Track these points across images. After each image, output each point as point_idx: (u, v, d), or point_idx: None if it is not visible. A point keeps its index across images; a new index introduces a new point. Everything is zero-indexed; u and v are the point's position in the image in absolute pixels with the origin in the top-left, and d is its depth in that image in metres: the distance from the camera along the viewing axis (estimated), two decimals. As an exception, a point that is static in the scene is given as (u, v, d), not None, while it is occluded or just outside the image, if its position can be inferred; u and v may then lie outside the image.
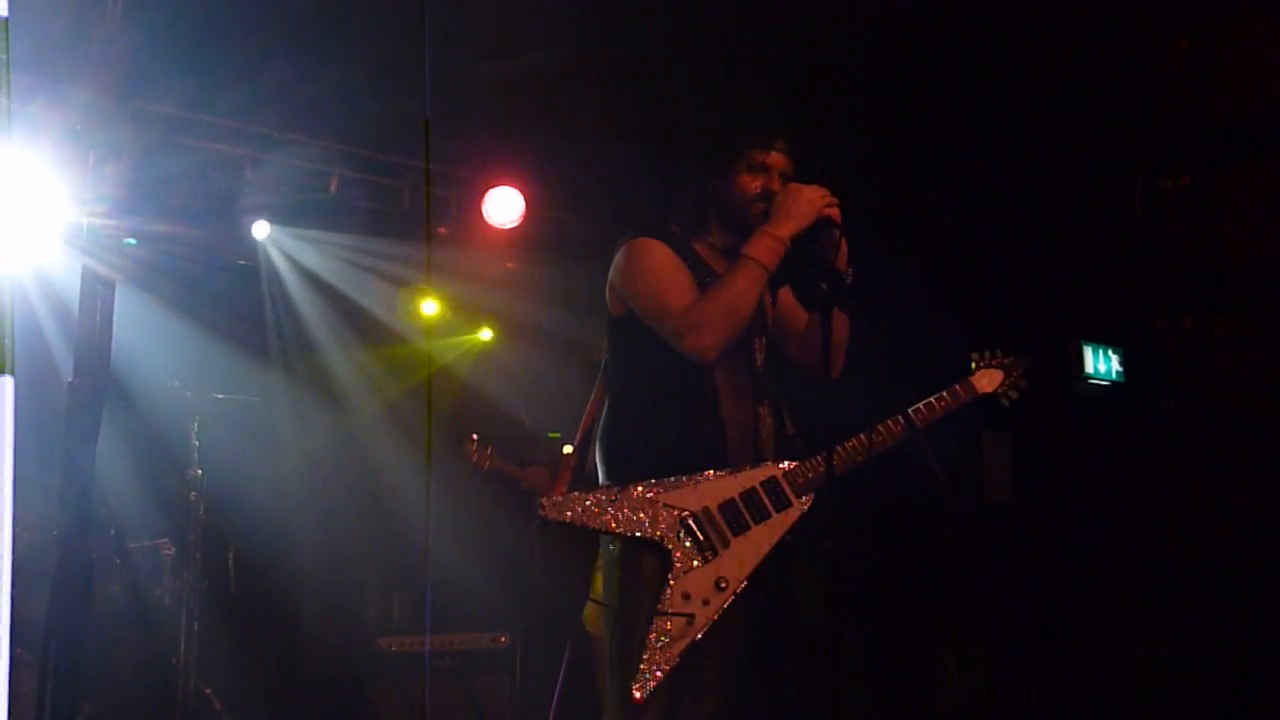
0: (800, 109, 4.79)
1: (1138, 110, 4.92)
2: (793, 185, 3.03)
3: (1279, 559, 4.52)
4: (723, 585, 2.89)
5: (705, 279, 3.06)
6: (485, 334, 7.30)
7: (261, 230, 6.20)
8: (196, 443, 5.28)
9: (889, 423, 3.03)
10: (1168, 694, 4.92)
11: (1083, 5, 4.66)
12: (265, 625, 6.00)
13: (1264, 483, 4.60)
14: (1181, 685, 4.85)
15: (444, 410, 6.86)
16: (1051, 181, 5.21)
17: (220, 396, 5.61)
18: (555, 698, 4.75)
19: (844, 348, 3.12)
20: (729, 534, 2.93)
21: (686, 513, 2.92)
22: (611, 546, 3.01)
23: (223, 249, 6.33)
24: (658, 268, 3.06)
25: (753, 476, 2.99)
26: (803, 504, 2.99)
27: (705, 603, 2.87)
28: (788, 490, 2.99)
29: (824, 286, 2.96)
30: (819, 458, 2.98)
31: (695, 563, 2.90)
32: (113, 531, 5.11)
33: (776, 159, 3.10)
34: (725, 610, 2.88)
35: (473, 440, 5.74)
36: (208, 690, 5.05)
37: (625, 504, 2.93)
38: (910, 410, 3.05)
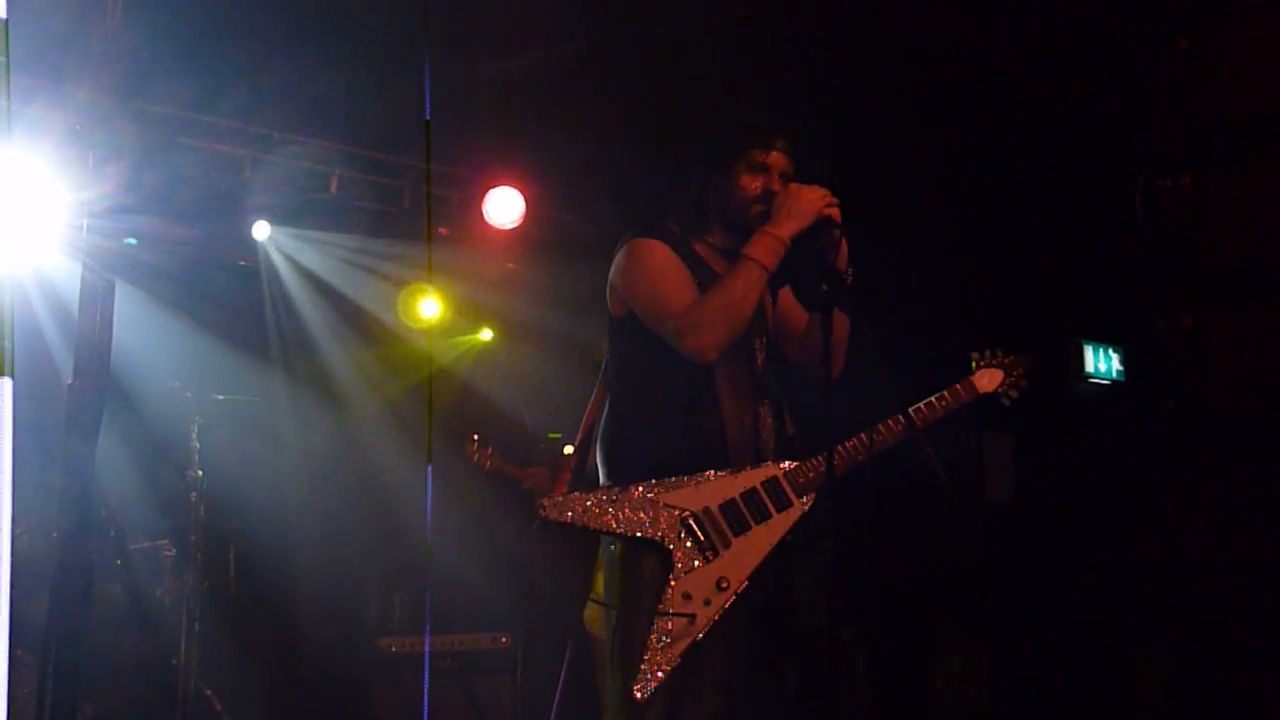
0: (800, 109, 4.79)
1: (1138, 110, 4.92)
2: (793, 185, 3.03)
3: (1279, 559, 4.52)
4: (724, 585, 2.89)
5: (705, 279, 3.06)
6: (486, 334, 7.30)
7: (262, 231, 6.20)
8: (197, 443, 5.28)
9: (890, 422, 3.03)
10: (1168, 694, 4.92)
11: (1083, 5, 4.66)
12: (266, 626, 6.00)
13: (1264, 482, 4.60)
14: (1181, 685, 4.85)
15: (443, 410, 6.86)
16: (1051, 181, 5.20)
17: (221, 397, 5.60)
18: (556, 698, 4.75)
19: (844, 348, 3.12)
20: (730, 534, 2.93)
21: (687, 513, 2.92)
22: (612, 547, 3.01)
23: (223, 249, 6.34)
24: (658, 268, 3.06)
25: (753, 476, 2.99)
26: (804, 504, 2.99)
27: (706, 603, 2.87)
28: (788, 490, 2.99)
29: (824, 287, 2.96)
30: (820, 458, 2.98)
31: (696, 563, 2.90)
32: (113, 532, 5.11)
33: (777, 159, 3.10)
34: (726, 610, 2.88)
35: (473, 440, 5.75)
36: (208, 691, 5.05)
37: (626, 504, 2.93)
38: (911, 410, 3.05)
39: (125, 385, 5.51)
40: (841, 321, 3.07)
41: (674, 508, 2.92)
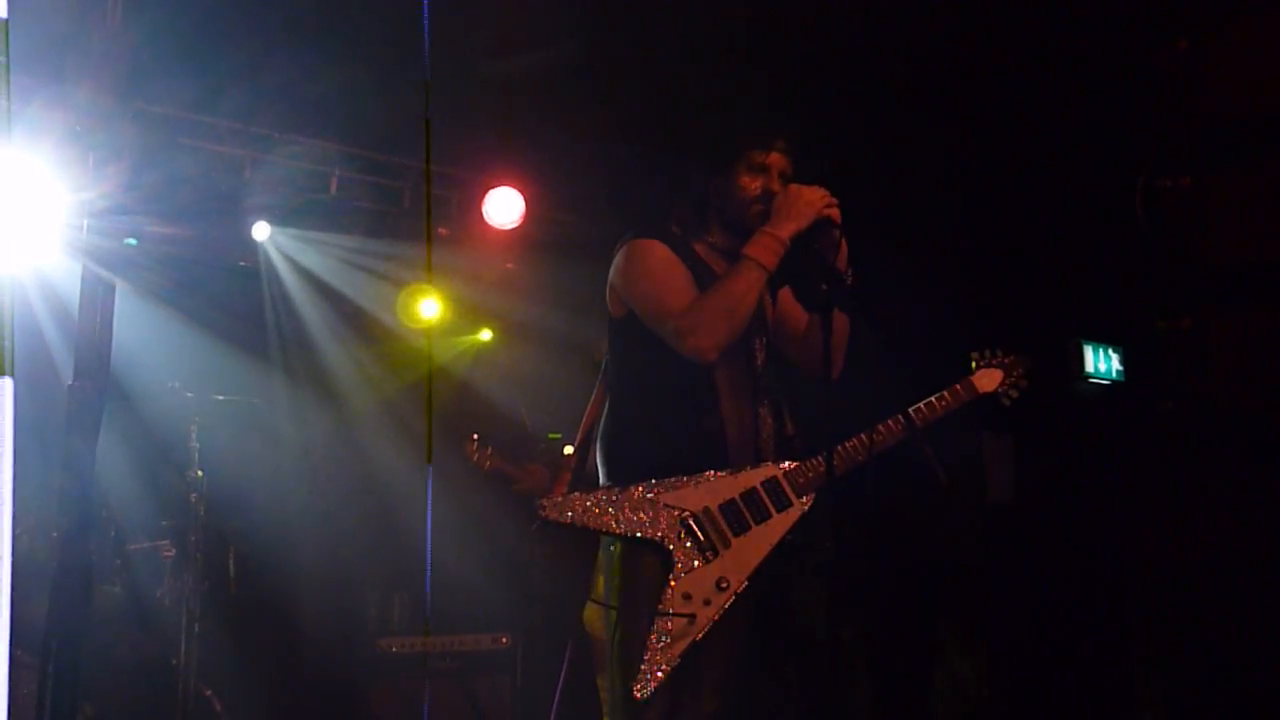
0: (800, 109, 4.78)
1: (1137, 110, 4.92)
2: (793, 186, 3.04)
3: (1279, 559, 4.52)
4: (724, 585, 2.89)
5: (705, 279, 3.06)
6: (485, 335, 7.30)
7: (262, 231, 6.20)
8: (197, 444, 5.28)
9: (889, 422, 3.03)
10: (1168, 694, 4.92)
11: (1082, 5, 4.66)
12: (266, 626, 6.00)
13: (1264, 483, 4.60)
14: (1181, 685, 4.85)
15: (442, 410, 6.85)
16: (1051, 181, 5.20)
17: (220, 397, 5.60)
18: (556, 698, 4.75)
19: (844, 348, 3.12)
20: (730, 534, 2.94)
21: (687, 513, 2.92)
22: (612, 547, 3.02)
23: (223, 249, 6.34)
24: (658, 268, 3.06)
25: (753, 476, 2.99)
26: (803, 504, 2.99)
27: (706, 603, 2.87)
28: (788, 490, 2.99)
29: (824, 287, 2.97)
30: (819, 458, 2.98)
31: (696, 563, 2.90)
32: (113, 533, 5.11)
33: (776, 159, 3.10)
34: (726, 610, 2.88)
35: (473, 440, 5.74)
36: (208, 691, 5.05)
37: (626, 504, 2.93)
38: (911, 410, 3.05)
39: (125, 385, 5.51)
40: (841, 322, 3.07)
41: (674, 508, 2.93)
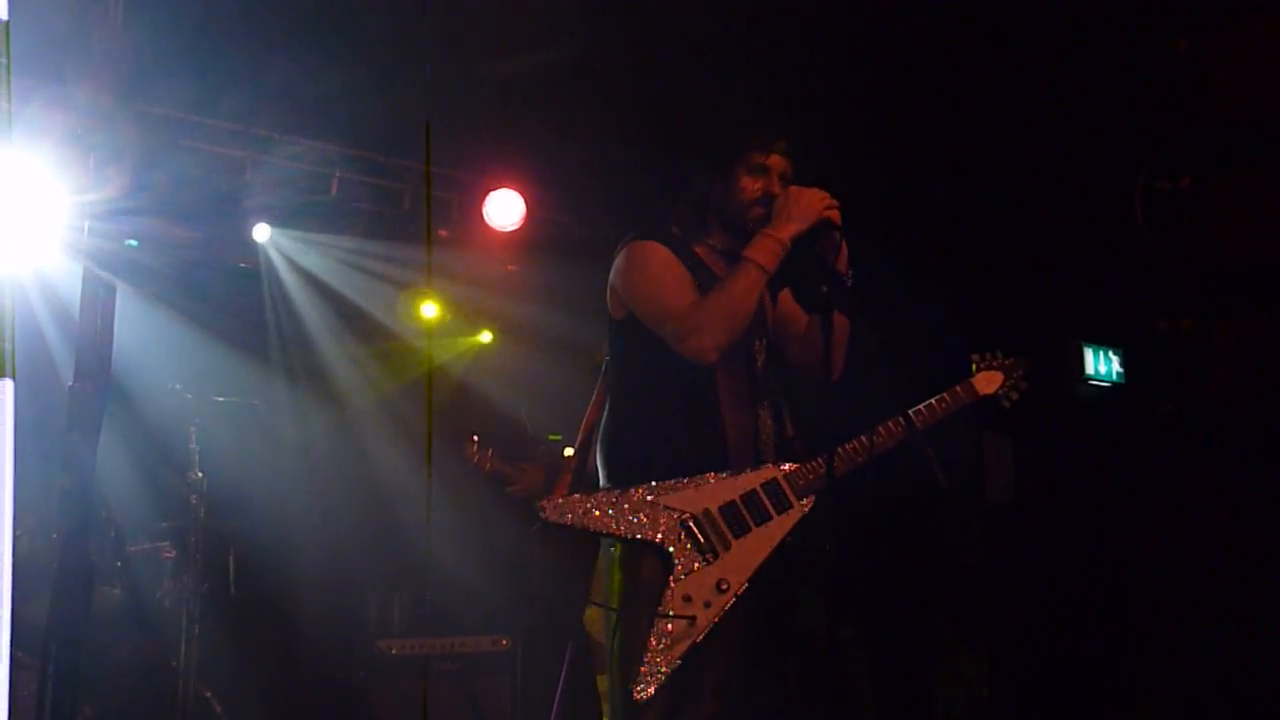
0: (800, 110, 4.79)
1: (1137, 112, 4.93)
2: (793, 188, 3.04)
3: (1279, 559, 4.52)
4: (724, 587, 2.89)
5: (705, 281, 3.06)
6: (485, 336, 7.30)
7: (262, 233, 6.20)
8: (197, 445, 5.27)
9: (889, 424, 3.03)
10: (1168, 694, 4.92)
11: (1082, 6, 4.67)
12: (265, 628, 6.00)
13: (1263, 483, 4.60)
14: (1182, 685, 4.85)
15: (442, 411, 6.85)
16: (1051, 183, 5.21)
17: (221, 399, 5.60)
18: (556, 700, 4.75)
19: (844, 350, 3.12)
20: (730, 536, 2.94)
21: (687, 515, 2.92)
22: (612, 549, 3.02)
23: (224, 251, 6.34)
24: (658, 270, 3.07)
25: (753, 478, 2.99)
26: (803, 506, 3.00)
27: (706, 605, 2.87)
28: (788, 492, 2.99)
29: (824, 289, 2.97)
30: (820, 459, 2.98)
31: (696, 565, 2.90)
32: (113, 534, 5.11)
33: (776, 161, 3.10)
34: (726, 612, 2.88)
35: (473, 441, 5.74)
36: (208, 693, 5.04)
37: (626, 506, 2.93)
38: (911, 412, 3.05)
39: (126, 387, 5.51)
40: (841, 323, 3.07)
41: (674, 510, 2.93)
